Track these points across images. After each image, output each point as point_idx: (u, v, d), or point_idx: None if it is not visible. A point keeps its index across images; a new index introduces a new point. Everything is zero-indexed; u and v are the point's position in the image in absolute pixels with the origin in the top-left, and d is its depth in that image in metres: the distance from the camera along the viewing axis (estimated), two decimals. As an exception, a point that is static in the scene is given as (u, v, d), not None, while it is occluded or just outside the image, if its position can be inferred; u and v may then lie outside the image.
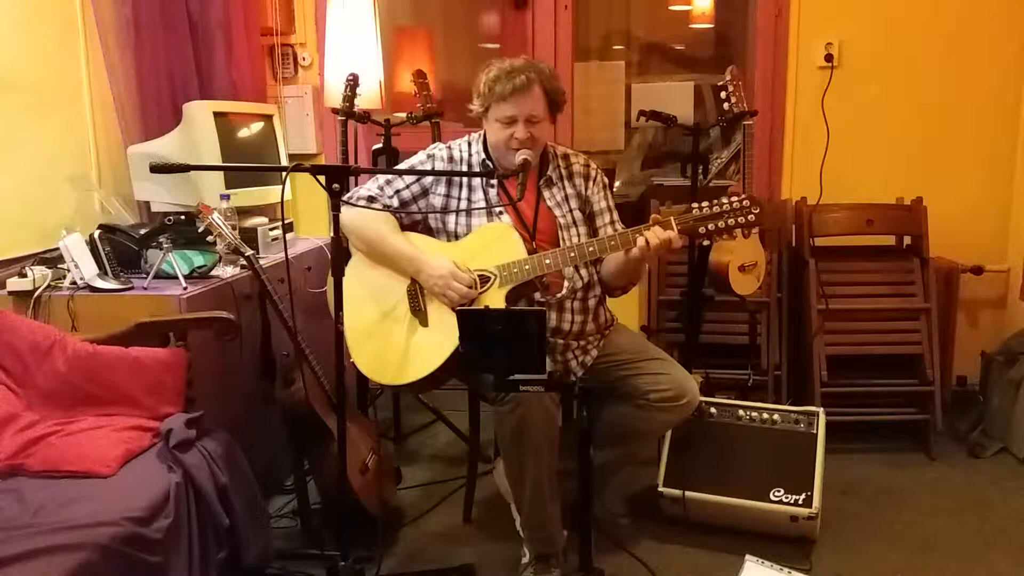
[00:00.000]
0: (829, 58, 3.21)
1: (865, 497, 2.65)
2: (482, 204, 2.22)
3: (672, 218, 2.00)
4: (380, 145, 2.95)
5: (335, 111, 2.77)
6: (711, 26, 4.18)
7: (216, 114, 2.67)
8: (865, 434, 3.01)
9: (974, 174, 3.25)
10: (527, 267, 2.08)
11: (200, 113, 2.66)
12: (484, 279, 2.12)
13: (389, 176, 2.26)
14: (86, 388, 2.01)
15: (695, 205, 2.00)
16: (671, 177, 3.85)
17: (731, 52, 4.04)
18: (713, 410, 2.47)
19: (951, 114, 3.23)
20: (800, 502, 2.27)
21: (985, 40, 3.17)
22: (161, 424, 1.96)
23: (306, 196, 3.53)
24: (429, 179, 2.25)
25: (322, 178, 1.79)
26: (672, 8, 4.23)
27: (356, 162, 3.07)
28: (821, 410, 2.40)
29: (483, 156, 2.25)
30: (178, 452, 1.87)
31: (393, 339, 2.16)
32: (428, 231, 2.28)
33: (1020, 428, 2.91)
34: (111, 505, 1.64)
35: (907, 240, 3.15)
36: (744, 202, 1.97)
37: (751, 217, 1.97)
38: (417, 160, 2.30)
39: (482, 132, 2.27)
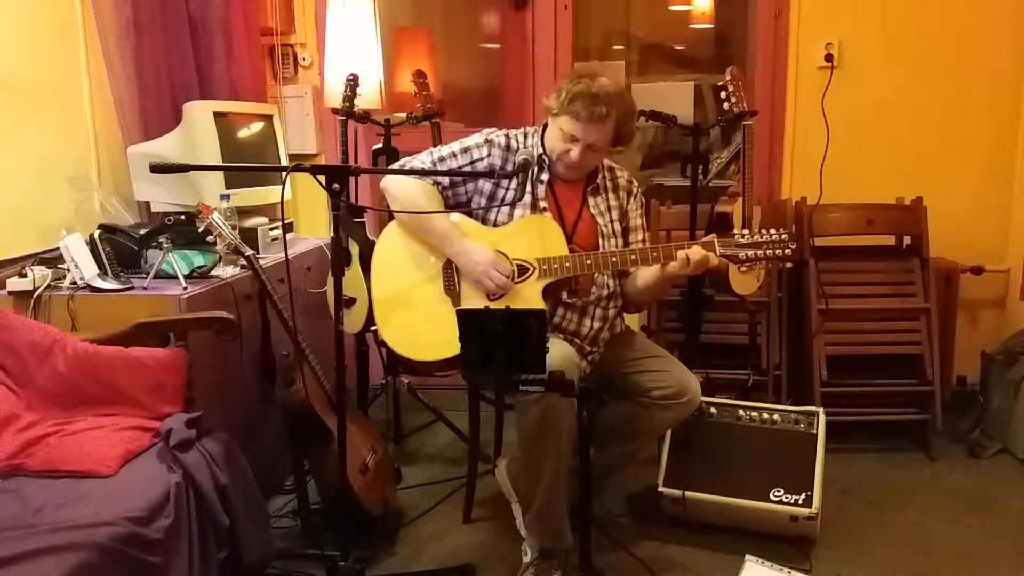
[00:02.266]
0: (829, 58, 3.21)
1: (865, 497, 2.65)
2: (528, 199, 2.20)
3: (715, 240, 2.08)
4: (380, 145, 2.95)
5: (335, 111, 2.77)
6: (711, 26, 4.17)
7: (216, 114, 2.67)
8: (865, 434, 3.01)
9: (974, 174, 3.26)
10: (568, 264, 2.10)
11: (200, 113, 2.66)
12: (522, 270, 2.13)
13: (444, 153, 2.24)
14: (86, 388, 2.01)
15: (737, 232, 2.10)
16: (671, 177, 3.84)
17: (731, 52, 4.04)
18: (713, 410, 2.47)
19: (951, 114, 3.23)
20: (800, 502, 2.27)
21: (985, 40, 3.17)
22: (161, 424, 1.96)
23: (306, 196, 3.53)
24: (483, 165, 2.22)
25: (322, 178, 1.79)
26: (672, 8, 4.23)
27: (356, 162, 3.07)
28: (821, 410, 2.40)
29: (540, 150, 2.24)
30: (178, 452, 1.86)
31: (422, 314, 2.16)
32: (468, 213, 2.26)
33: (1020, 428, 2.91)
34: (111, 505, 1.63)
35: (907, 240, 3.14)
36: (783, 236, 2.07)
37: (787, 251, 2.07)
38: (473, 143, 2.26)
39: (540, 126, 2.27)
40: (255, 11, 3.24)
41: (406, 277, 2.20)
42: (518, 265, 2.13)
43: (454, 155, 2.24)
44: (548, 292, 2.13)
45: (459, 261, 2.15)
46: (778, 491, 2.29)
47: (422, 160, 2.26)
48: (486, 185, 2.24)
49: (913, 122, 3.25)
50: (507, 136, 2.27)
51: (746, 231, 2.10)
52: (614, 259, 2.11)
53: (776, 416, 2.43)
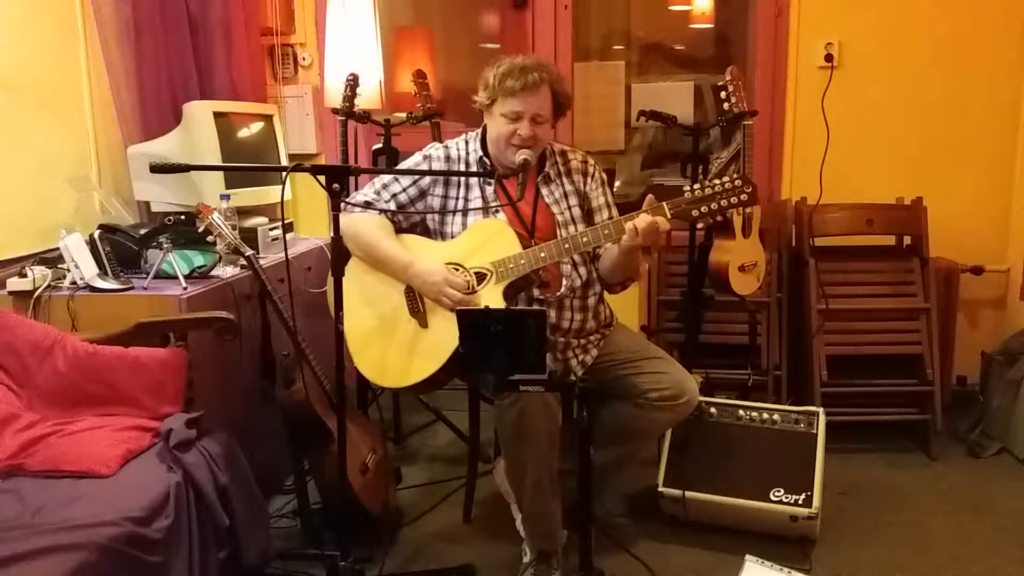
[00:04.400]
0: (829, 58, 3.21)
1: (865, 497, 2.65)
2: (479, 203, 2.22)
3: (664, 204, 2.02)
4: (380, 145, 2.94)
5: (335, 111, 2.77)
6: (711, 26, 4.17)
7: (216, 114, 2.67)
8: (865, 434, 3.01)
9: (974, 174, 3.25)
10: (522, 261, 2.08)
11: (200, 113, 2.66)
12: (480, 276, 2.12)
13: (386, 180, 2.26)
14: (86, 388, 2.01)
15: (686, 189, 2.02)
16: (671, 177, 3.85)
17: (731, 52, 4.04)
18: (713, 410, 2.47)
19: (951, 114, 3.23)
20: (800, 502, 2.27)
21: (985, 40, 3.17)
22: (161, 424, 1.96)
23: (306, 196, 3.53)
24: (426, 181, 2.25)
25: (322, 178, 1.79)
26: (672, 8, 4.23)
27: (356, 162, 3.07)
28: (821, 410, 2.40)
29: (480, 154, 2.25)
30: (178, 452, 1.86)
31: (394, 342, 2.16)
32: (426, 233, 2.28)
33: (1020, 428, 2.91)
34: (111, 505, 1.63)
35: (907, 240, 3.15)
36: (736, 182, 1.99)
37: (743, 196, 1.99)
38: (413, 162, 2.30)
39: (479, 130, 2.27)
40: (255, 11, 3.24)
41: (371, 312, 2.20)
42: (476, 272, 2.12)
43: (396, 180, 2.25)
44: (509, 293, 2.11)
45: (415, 284, 2.14)
46: (778, 491, 2.29)
47: (364, 193, 2.27)
48: (435, 201, 2.25)
49: (913, 122, 3.25)
50: (445, 147, 2.28)
51: (696, 185, 2.01)
52: (566, 246, 2.08)
53: (776, 416, 2.43)
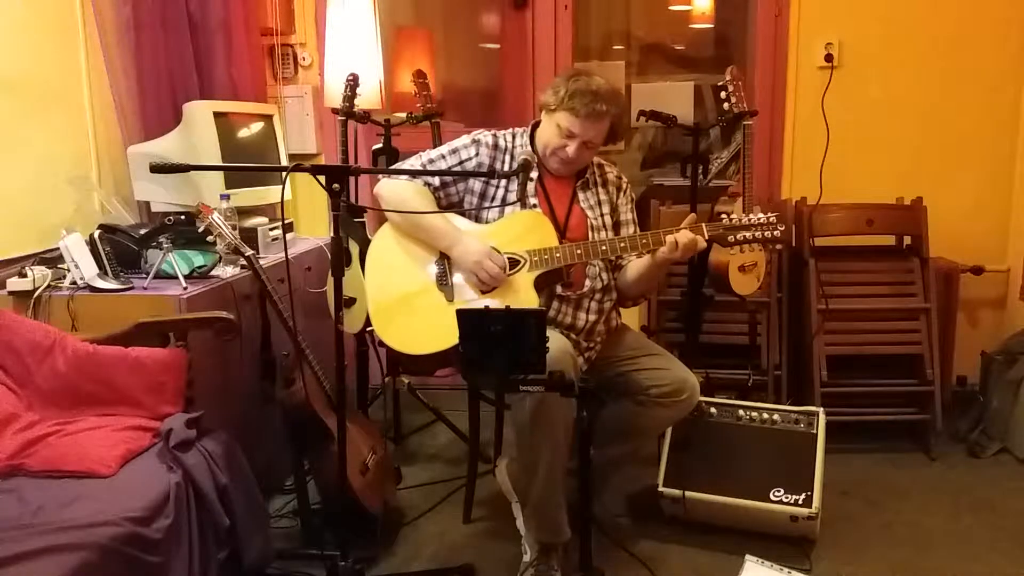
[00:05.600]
0: (829, 58, 3.21)
1: (865, 497, 2.65)
2: (515, 196, 2.21)
3: (703, 224, 2.10)
4: (380, 145, 2.95)
5: (335, 111, 2.76)
6: (711, 26, 4.17)
7: (216, 114, 2.67)
8: (865, 434, 3.01)
9: (974, 174, 3.25)
10: (558, 254, 2.11)
11: (200, 113, 2.66)
12: (513, 263, 2.13)
13: (433, 156, 2.28)
14: (86, 388, 2.01)
15: (725, 216, 2.13)
16: (671, 177, 3.85)
17: (731, 52, 4.04)
18: (713, 410, 2.47)
19: (951, 114, 3.23)
20: (800, 502, 2.27)
21: (985, 40, 3.17)
22: (161, 424, 1.96)
23: (306, 196, 3.53)
24: (471, 165, 2.26)
25: (322, 178, 1.79)
26: (672, 8, 4.23)
27: (356, 162, 3.07)
28: (821, 410, 2.40)
29: (529, 147, 2.26)
30: (178, 452, 1.86)
31: (416, 309, 2.17)
32: (461, 213, 2.28)
33: (1020, 428, 2.91)
34: (111, 505, 1.63)
35: (907, 240, 3.15)
36: (771, 219, 2.10)
37: (776, 233, 2.10)
38: (461, 143, 2.29)
39: (530, 126, 2.29)
40: (255, 11, 3.24)
41: (400, 274, 2.21)
42: (509, 258, 2.14)
43: (443, 157, 2.27)
44: (540, 284, 2.13)
45: (453, 253, 2.16)
46: (778, 491, 2.29)
47: (411, 163, 2.30)
48: (476, 184, 2.26)
49: (913, 122, 3.25)
50: (495, 136, 2.29)
51: (734, 214, 2.13)
52: (603, 247, 2.13)
53: (776, 416, 2.43)
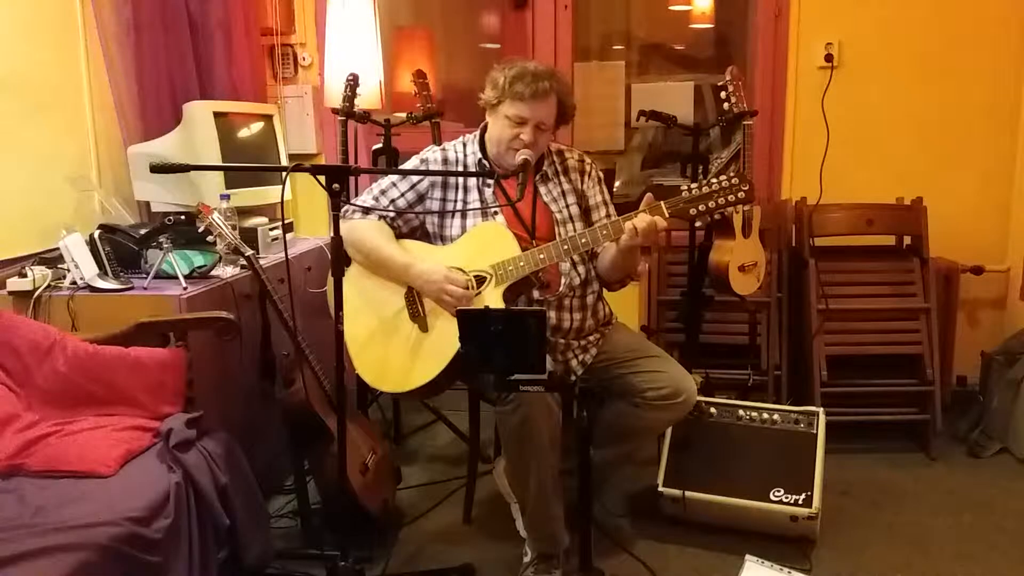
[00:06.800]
0: (829, 58, 3.21)
1: (865, 497, 2.65)
2: (478, 205, 2.22)
3: (662, 203, 2.03)
4: (380, 145, 2.95)
5: (335, 111, 2.77)
6: (711, 26, 4.17)
7: (216, 114, 2.67)
8: (865, 434, 3.01)
9: (974, 174, 3.25)
10: (521, 263, 2.08)
11: (200, 113, 2.66)
12: (480, 279, 2.11)
13: (384, 186, 2.26)
14: (86, 388, 2.01)
15: (684, 187, 2.02)
16: (671, 177, 3.84)
17: (731, 52, 4.03)
18: (713, 410, 2.47)
19: (951, 114, 3.23)
20: (800, 502, 2.27)
21: (985, 40, 3.17)
22: (161, 424, 1.96)
23: (306, 196, 3.53)
24: (424, 185, 2.25)
25: (322, 178, 1.79)
26: (672, 8, 4.22)
27: (356, 162, 3.07)
28: (821, 410, 2.40)
29: (479, 156, 2.25)
30: (178, 452, 1.86)
31: (394, 346, 2.16)
32: (425, 237, 2.28)
33: (1020, 428, 2.91)
34: (111, 505, 1.64)
35: (907, 240, 3.15)
36: (733, 180, 2.00)
37: (740, 195, 2.00)
38: (411, 166, 2.31)
39: (477, 132, 2.28)
40: (255, 11, 3.24)
41: (371, 316, 2.19)
42: (475, 276, 2.12)
43: (394, 185, 2.25)
44: (510, 296, 2.11)
45: (416, 284, 2.14)
46: (778, 491, 2.29)
47: (363, 199, 2.28)
48: (434, 204, 2.25)
49: (913, 122, 3.25)
50: (443, 150, 2.28)
51: (694, 184, 2.02)
52: (565, 247, 2.08)
53: (776, 416, 2.43)
